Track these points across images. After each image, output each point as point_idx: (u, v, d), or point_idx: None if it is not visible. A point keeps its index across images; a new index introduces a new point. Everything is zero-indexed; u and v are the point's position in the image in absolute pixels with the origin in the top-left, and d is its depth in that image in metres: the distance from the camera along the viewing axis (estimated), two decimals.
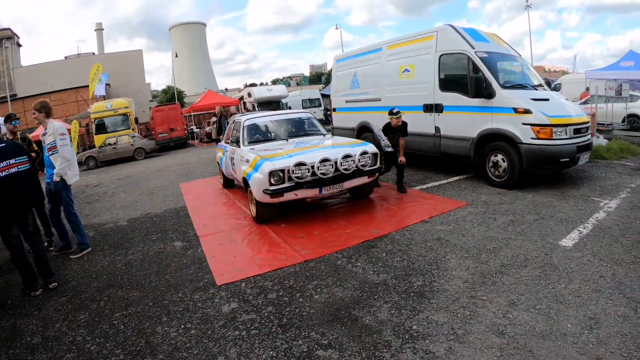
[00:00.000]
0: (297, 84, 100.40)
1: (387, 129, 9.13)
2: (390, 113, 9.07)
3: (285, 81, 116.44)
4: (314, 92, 40.98)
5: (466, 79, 9.23)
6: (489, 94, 8.77)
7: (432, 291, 4.70)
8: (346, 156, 7.45)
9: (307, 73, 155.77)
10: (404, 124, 9.13)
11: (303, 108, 35.40)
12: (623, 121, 20.02)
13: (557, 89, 27.54)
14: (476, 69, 9.06)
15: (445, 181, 9.82)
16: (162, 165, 19.43)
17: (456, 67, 9.64)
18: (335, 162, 7.32)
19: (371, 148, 7.97)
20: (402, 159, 9.08)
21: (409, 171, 10.92)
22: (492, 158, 8.95)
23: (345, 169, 7.41)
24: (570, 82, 28.05)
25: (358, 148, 7.79)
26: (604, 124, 17.64)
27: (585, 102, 19.74)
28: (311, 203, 8.38)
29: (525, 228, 6.46)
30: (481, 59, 9.10)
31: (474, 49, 9.29)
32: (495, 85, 8.74)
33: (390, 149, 8.89)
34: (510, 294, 4.53)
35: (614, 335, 3.71)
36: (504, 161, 8.73)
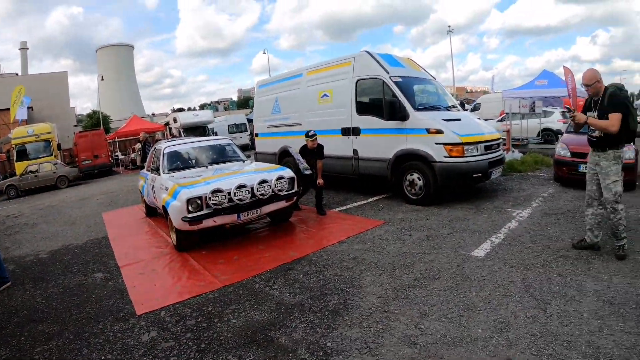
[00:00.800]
0: (225, 109, 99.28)
1: (304, 151, 9.13)
2: (306, 135, 9.10)
3: (213, 106, 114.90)
4: (240, 117, 40.57)
5: (381, 102, 9.38)
6: (403, 117, 8.97)
7: (346, 308, 4.61)
8: (262, 181, 7.39)
9: (235, 97, 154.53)
10: (320, 147, 9.16)
11: (229, 133, 35.21)
12: (538, 135, 21.12)
13: (477, 108, 28.80)
14: (391, 93, 9.24)
15: (364, 202, 9.87)
16: (86, 194, 18.63)
17: (372, 91, 9.81)
18: (252, 188, 7.23)
19: (287, 173, 7.92)
20: (320, 181, 9.05)
21: (329, 193, 10.96)
22: (408, 177, 9.13)
23: (262, 194, 7.33)
24: (489, 101, 29.47)
25: (274, 173, 7.74)
26: (519, 139, 18.50)
27: (502, 120, 20.64)
28: (232, 229, 8.19)
29: (439, 242, 6.53)
30: (395, 83, 9.32)
31: (388, 74, 9.51)
32: (408, 108, 8.95)
33: (308, 172, 8.87)
34: (423, 305, 4.51)
35: (524, 336, 3.75)
36: (419, 179, 8.92)
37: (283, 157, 12.51)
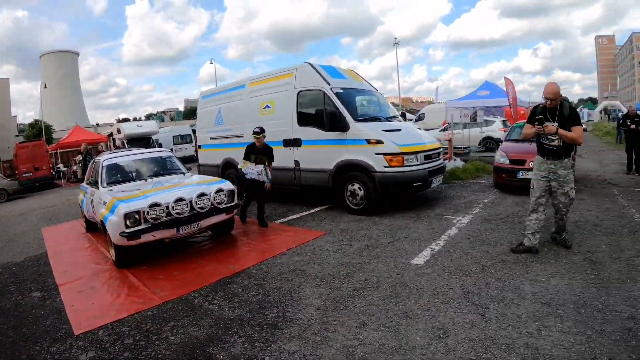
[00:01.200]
0: (172, 119, 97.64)
1: (252, 149, 8.80)
2: (254, 133, 8.77)
3: (159, 116, 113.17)
4: (185, 127, 39.87)
5: (322, 113, 9.33)
6: (344, 128, 8.96)
7: (285, 321, 4.48)
8: (201, 195, 7.20)
9: (181, 107, 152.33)
10: (269, 148, 8.90)
11: (174, 144, 34.73)
12: (479, 144, 21.65)
13: (421, 118, 29.40)
14: (331, 104, 9.21)
15: (306, 213, 9.79)
16: (26, 209, 17.74)
17: (313, 102, 9.78)
18: (191, 201, 7.04)
19: (227, 185, 7.76)
20: (268, 184, 8.81)
21: (272, 205, 10.82)
22: (350, 187, 9.11)
23: (201, 208, 7.14)
24: (433, 111, 30.19)
25: (214, 186, 7.56)
26: (461, 148, 18.88)
27: (444, 129, 21.06)
28: (172, 243, 7.95)
29: (379, 251, 6.50)
30: (336, 94, 9.31)
31: (329, 85, 9.48)
32: (349, 119, 8.95)
33: (252, 177, 8.66)
34: (361, 315, 4.43)
35: (462, 342, 3.72)
36: (360, 189, 8.91)
37: (226, 169, 12.33)
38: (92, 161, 10.29)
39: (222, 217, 7.53)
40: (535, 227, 5.89)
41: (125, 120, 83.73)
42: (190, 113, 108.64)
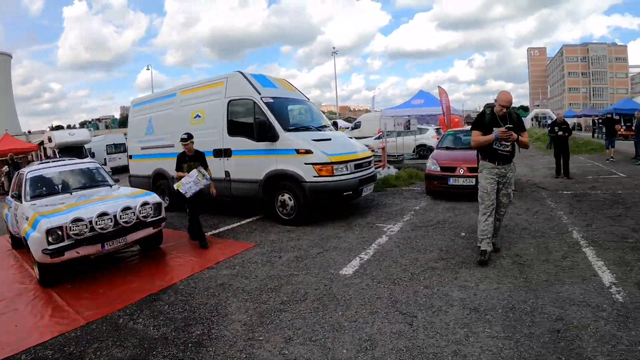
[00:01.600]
0: (107, 127, 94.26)
1: (183, 158, 8.28)
2: (181, 140, 8.21)
3: (94, 123, 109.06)
4: (119, 136, 38.07)
5: (252, 123, 9.22)
6: (273, 137, 8.86)
7: (210, 339, 4.30)
8: (126, 208, 6.89)
9: (117, 115, 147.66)
10: (201, 153, 8.40)
11: (107, 154, 33.43)
12: (413, 151, 22.03)
13: (357, 126, 29.64)
14: (261, 113, 9.10)
15: (237, 224, 9.59)
16: None
17: (243, 112, 9.62)
18: (115, 216, 6.73)
19: (153, 198, 7.48)
20: (213, 190, 8.48)
21: (204, 217, 10.42)
22: (280, 197, 9.00)
23: (126, 222, 6.84)
24: (369, 119, 30.38)
25: (139, 199, 7.27)
26: (395, 155, 19.12)
27: (379, 137, 21.32)
28: (99, 259, 7.56)
29: (308, 262, 6.41)
30: (266, 104, 9.19)
31: (260, 94, 9.36)
32: (278, 128, 8.85)
33: (193, 192, 7.98)
34: (288, 330, 4.32)
35: (389, 353, 3.68)
36: (290, 199, 8.83)
37: (157, 180, 11.95)
38: (16, 173, 9.75)
39: (149, 231, 7.25)
40: (492, 229, 6.00)
41: (59, 127, 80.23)
42: (125, 121, 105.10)
